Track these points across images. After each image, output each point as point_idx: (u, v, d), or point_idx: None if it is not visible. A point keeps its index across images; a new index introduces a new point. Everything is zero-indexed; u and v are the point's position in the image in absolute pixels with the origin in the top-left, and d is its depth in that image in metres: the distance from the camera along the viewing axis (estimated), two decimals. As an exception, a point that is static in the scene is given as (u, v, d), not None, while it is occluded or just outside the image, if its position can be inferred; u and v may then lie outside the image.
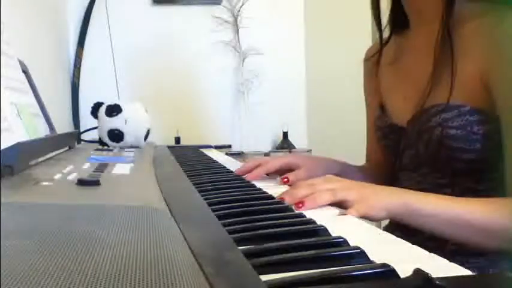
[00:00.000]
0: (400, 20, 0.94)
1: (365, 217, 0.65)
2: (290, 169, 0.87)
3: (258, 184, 0.77)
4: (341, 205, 0.65)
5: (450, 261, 0.40)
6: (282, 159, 0.90)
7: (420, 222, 0.67)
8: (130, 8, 2.47)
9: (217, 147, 1.69)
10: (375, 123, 0.99)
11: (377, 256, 0.39)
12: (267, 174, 0.89)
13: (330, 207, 0.64)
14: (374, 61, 1.01)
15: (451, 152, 0.78)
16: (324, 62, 2.60)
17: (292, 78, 2.63)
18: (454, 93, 0.77)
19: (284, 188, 0.75)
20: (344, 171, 0.93)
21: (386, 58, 0.99)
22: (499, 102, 0.73)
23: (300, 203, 0.62)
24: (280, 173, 0.87)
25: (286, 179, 0.81)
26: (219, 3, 2.50)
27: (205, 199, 0.60)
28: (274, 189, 0.73)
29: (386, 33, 0.97)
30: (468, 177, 0.79)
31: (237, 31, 2.51)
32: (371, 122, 1.05)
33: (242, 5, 2.47)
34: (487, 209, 0.67)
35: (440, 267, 0.39)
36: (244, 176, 0.86)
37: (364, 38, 2.47)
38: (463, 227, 0.66)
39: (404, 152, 0.90)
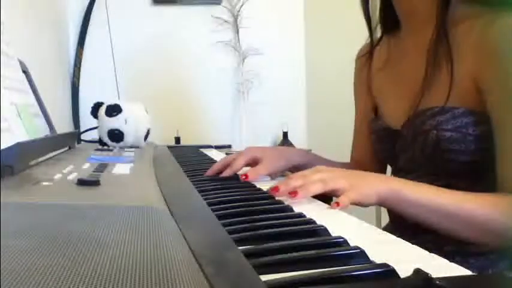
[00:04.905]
0: (390, 22, 0.93)
1: (356, 203, 0.67)
2: (256, 162, 0.87)
3: (257, 183, 0.77)
4: (332, 194, 0.67)
5: (450, 261, 0.40)
6: (245, 156, 0.89)
7: (405, 209, 0.68)
8: (130, 8, 2.47)
9: (217, 147, 1.69)
10: (369, 126, 0.99)
11: (377, 256, 0.39)
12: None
13: (329, 206, 0.64)
14: (365, 62, 1.01)
15: (447, 154, 0.78)
16: (324, 62, 2.60)
17: (292, 78, 2.63)
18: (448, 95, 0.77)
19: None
20: (311, 162, 0.92)
21: (378, 59, 0.98)
22: (489, 102, 0.73)
23: (293, 193, 0.65)
24: (249, 166, 0.88)
25: (244, 177, 0.81)
26: (219, 3, 2.50)
27: (205, 199, 0.60)
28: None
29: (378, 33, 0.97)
30: (465, 179, 0.79)
31: (237, 31, 2.50)
32: (359, 121, 1.05)
33: (242, 5, 2.47)
34: (477, 203, 0.67)
35: (440, 267, 0.39)
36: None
37: (364, 38, 2.46)
38: (449, 218, 0.67)
39: (399, 155, 0.89)
